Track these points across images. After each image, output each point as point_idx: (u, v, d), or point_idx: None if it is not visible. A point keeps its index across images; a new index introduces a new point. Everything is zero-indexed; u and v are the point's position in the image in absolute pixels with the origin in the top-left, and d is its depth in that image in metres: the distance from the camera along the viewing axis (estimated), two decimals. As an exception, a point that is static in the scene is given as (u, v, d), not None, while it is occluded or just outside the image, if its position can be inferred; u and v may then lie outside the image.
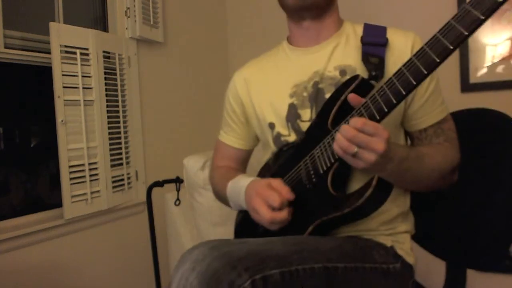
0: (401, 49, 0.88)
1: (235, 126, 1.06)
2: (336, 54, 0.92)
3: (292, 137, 0.93)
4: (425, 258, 0.99)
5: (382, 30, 0.91)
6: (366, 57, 0.86)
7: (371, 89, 0.81)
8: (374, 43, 0.88)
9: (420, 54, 0.67)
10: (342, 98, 0.82)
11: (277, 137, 0.95)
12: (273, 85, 0.97)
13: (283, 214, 0.79)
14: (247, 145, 1.09)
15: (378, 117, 0.71)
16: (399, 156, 0.73)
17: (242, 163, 1.11)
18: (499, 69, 1.86)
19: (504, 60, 1.84)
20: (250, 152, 1.11)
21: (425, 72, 0.66)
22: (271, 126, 0.96)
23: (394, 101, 0.69)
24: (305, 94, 0.92)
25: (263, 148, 1.05)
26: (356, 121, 0.68)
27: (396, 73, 0.70)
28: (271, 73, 1.00)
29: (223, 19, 2.71)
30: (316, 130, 0.86)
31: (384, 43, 0.88)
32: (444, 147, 0.87)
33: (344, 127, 0.69)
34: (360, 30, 0.93)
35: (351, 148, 0.68)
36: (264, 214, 0.79)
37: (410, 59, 0.68)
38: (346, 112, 0.78)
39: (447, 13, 1.93)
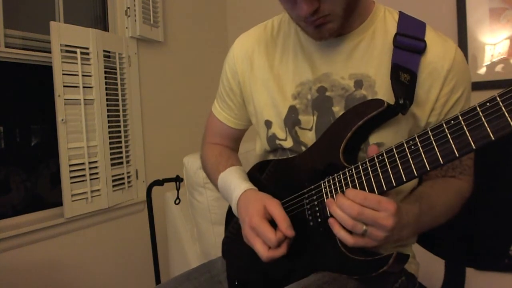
0: (435, 67, 0.71)
1: (231, 104, 0.94)
2: (355, 57, 0.76)
3: (289, 143, 0.82)
4: (424, 257, 0.99)
5: (422, 27, 0.73)
6: (395, 71, 0.68)
7: (393, 117, 0.69)
8: (409, 47, 0.70)
9: (471, 121, 0.52)
10: (359, 123, 0.69)
11: (272, 138, 0.85)
12: (277, 77, 0.83)
13: (281, 251, 0.70)
14: (243, 125, 0.98)
15: (394, 185, 0.60)
16: (413, 219, 0.65)
17: (235, 141, 1.03)
18: (498, 68, 1.86)
19: (503, 59, 1.85)
20: (245, 131, 1.01)
21: (473, 147, 0.52)
22: (267, 124, 0.85)
23: (415, 174, 0.58)
24: (309, 97, 0.79)
25: (257, 134, 0.94)
26: (356, 194, 0.59)
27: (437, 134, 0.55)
28: (277, 61, 0.84)
29: (223, 19, 2.72)
30: (324, 153, 0.74)
31: (421, 49, 0.70)
32: (458, 184, 0.78)
33: (344, 204, 0.60)
34: (393, 23, 0.75)
35: (358, 227, 0.59)
36: (261, 252, 0.70)
37: (458, 119, 0.53)
38: (359, 139, 0.70)
39: (446, 12, 1.94)
